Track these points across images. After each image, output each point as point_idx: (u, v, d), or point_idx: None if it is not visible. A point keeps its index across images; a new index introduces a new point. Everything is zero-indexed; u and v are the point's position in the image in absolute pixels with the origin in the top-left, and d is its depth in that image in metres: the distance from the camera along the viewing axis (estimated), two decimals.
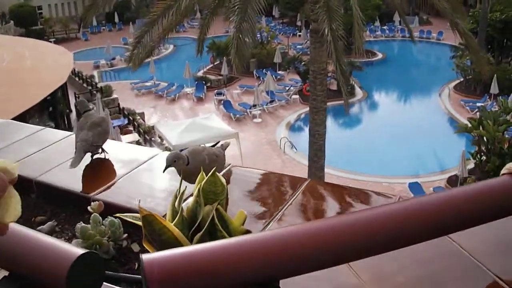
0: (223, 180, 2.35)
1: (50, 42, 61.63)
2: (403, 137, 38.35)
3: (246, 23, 19.23)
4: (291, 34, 70.79)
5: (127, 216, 2.43)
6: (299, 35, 69.35)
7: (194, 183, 2.93)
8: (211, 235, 2.14)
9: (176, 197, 2.34)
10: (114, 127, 32.37)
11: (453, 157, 33.13)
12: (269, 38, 60.42)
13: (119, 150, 3.90)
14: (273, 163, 34.55)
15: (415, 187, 29.89)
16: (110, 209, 2.89)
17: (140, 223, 2.12)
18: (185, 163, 3.04)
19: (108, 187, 3.33)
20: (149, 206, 2.91)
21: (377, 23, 70.39)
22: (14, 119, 20.34)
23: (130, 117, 38.66)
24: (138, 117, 38.95)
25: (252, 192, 3.40)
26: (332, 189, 3.34)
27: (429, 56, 67.95)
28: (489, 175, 29.91)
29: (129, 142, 30.61)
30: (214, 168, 2.33)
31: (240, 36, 19.17)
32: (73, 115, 43.04)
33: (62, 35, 76.95)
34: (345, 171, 32.76)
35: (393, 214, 1.89)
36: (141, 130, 35.54)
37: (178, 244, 2.08)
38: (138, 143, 32.64)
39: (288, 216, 2.94)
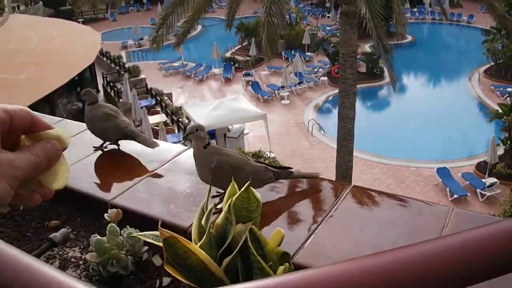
0: (258, 196, 2.08)
1: (79, 22, 61.82)
2: (431, 121, 37.91)
3: (276, 5, 18.95)
4: (320, 16, 70.44)
5: (147, 236, 2.13)
6: (328, 17, 68.93)
7: (217, 185, 2.74)
8: (243, 258, 1.87)
9: (203, 212, 2.05)
10: (141, 107, 32.21)
11: (482, 142, 32.71)
12: (297, 19, 60.02)
13: (139, 146, 3.56)
14: (300, 145, 34.34)
15: (444, 172, 29.50)
16: (129, 216, 2.64)
17: (161, 244, 1.83)
18: (204, 140, 2.81)
19: (127, 190, 3.04)
20: (173, 215, 2.70)
21: (407, 5, 69.63)
22: (42, 99, 20.41)
23: (158, 98, 38.48)
24: (166, 98, 38.78)
25: (284, 200, 3.01)
26: (379, 197, 2.96)
27: (459, 39, 67.20)
28: None
29: (156, 123, 30.58)
30: (247, 183, 2.04)
31: (270, 19, 18.89)
32: (101, 95, 43.07)
33: (90, 16, 77.18)
34: (372, 155, 32.47)
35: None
36: (169, 111, 35.34)
37: (206, 269, 1.80)
38: (165, 123, 32.53)
39: (330, 231, 2.62)
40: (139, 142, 3.47)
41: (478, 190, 28.23)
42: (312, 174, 3.19)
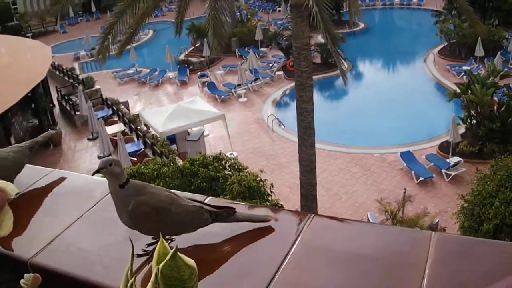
0: (191, 262, 1.67)
1: (28, 37, 61.17)
2: (391, 106, 38.05)
3: (222, 1, 18.72)
4: (271, 10, 70.51)
5: None
6: (279, 11, 69.06)
7: (140, 231, 2.32)
8: None
9: (127, 279, 1.68)
10: (98, 118, 31.85)
11: (443, 123, 32.89)
12: (248, 16, 59.99)
13: (66, 182, 3.06)
14: (262, 142, 34.22)
15: (407, 156, 29.62)
16: (51, 277, 2.20)
17: None
18: (120, 178, 2.33)
19: (50, 242, 2.45)
20: (102, 275, 2.23)
21: None
22: None
23: (114, 107, 38.10)
24: (122, 107, 38.42)
25: (229, 244, 2.40)
26: (347, 226, 2.51)
27: (411, 22, 67.72)
28: (482, 140, 29.73)
29: (114, 133, 30.24)
30: (174, 249, 1.62)
31: (216, 15, 18.64)
32: (57, 109, 42.60)
33: (39, 29, 76.42)
34: (335, 145, 32.46)
35: None
36: (126, 120, 34.97)
37: None
38: (124, 133, 32.17)
39: (289, 280, 2.15)
40: None
41: (443, 171, 28.34)
42: (262, 217, 2.49)
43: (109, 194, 2.47)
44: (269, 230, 2.41)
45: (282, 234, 2.39)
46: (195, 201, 2.36)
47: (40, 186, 2.92)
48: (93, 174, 2.47)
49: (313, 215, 2.45)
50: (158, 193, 2.33)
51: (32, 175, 2.99)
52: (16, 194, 2.64)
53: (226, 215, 2.33)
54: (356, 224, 2.49)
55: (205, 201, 2.49)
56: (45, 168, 3.12)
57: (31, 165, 3.12)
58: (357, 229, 2.43)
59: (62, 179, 3.04)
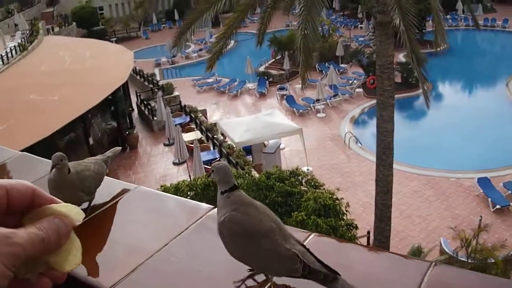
0: None
1: (111, 41, 62.16)
2: (470, 130, 37.40)
3: (310, 18, 18.63)
4: (353, 27, 70.20)
5: None
6: (361, 27, 68.67)
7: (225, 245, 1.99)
8: None
9: None
10: (176, 125, 32.05)
11: None
12: (330, 31, 59.77)
13: (151, 202, 2.73)
14: (338, 159, 33.98)
15: (484, 182, 28.94)
16: None
17: None
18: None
19: (133, 271, 2.10)
20: None
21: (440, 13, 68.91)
22: (76, 119, 20.16)
23: (192, 115, 38.35)
24: (200, 115, 38.63)
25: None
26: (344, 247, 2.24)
27: (495, 45, 66.47)
28: None
29: (190, 140, 30.37)
30: None
31: (306, 32, 18.55)
32: (135, 113, 43.14)
33: (123, 34, 77.94)
34: (411, 166, 32.02)
35: None
36: (203, 128, 35.14)
37: None
38: (200, 141, 32.31)
39: None
40: None
41: None
42: None
43: (199, 221, 2.31)
44: None
45: None
46: (298, 242, 1.93)
47: (121, 204, 2.68)
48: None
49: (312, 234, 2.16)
50: (258, 217, 1.96)
51: (113, 190, 2.77)
52: (86, 218, 2.43)
53: (322, 277, 1.81)
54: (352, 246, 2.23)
55: (309, 242, 2.11)
56: (128, 183, 2.90)
57: (112, 179, 2.90)
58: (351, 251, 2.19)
59: (147, 198, 2.77)
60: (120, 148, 3.19)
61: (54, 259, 1.13)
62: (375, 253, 2.12)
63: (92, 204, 2.69)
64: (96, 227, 2.50)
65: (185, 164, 30.44)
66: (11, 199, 1.10)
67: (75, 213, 1.19)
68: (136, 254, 2.16)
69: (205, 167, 27.35)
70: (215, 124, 34.84)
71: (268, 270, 1.84)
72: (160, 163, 34.12)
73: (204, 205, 2.44)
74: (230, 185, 1.94)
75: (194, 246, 2.19)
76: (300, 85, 46.86)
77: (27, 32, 51.18)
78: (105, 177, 2.84)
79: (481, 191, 28.69)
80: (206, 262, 2.09)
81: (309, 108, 42.60)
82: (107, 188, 2.75)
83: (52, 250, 1.10)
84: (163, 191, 17.23)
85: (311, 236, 2.12)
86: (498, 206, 27.23)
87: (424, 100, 20.38)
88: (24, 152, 3.36)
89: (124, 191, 2.70)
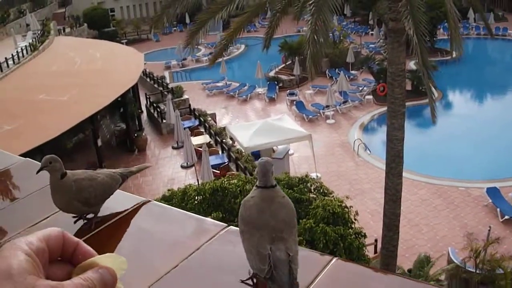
0: None
1: (122, 43, 62.30)
2: (479, 139, 37.24)
3: (321, 23, 18.51)
4: (364, 33, 70.02)
5: None
6: (372, 34, 68.56)
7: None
8: None
9: None
10: (185, 128, 32.04)
11: None
12: (341, 37, 59.76)
13: (162, 217, 2.62)
14: (346, 166, 33.90)
15: (494, 193, 28.78)
16: None
17: None
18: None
19: None
20: None
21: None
22: (86, 120, 20.11)
23: (201, 118, 38.35)
24: (209, 118, 38.58)
25: None
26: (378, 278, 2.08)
27: (506, 54, 66.22)
28: None
29: (199, 144, 30.37)
30: None
31: (316, 37, 18.43)
32: (144, 116, 43.17)
33: (134, 36, 78.20)
34: (420, 175, 31.88)
35: None
36: (212, 132, 35.13)
37: None
38: (209, 145, 32.27)
39: None
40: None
41: None
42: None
43: (212, 240, 2.20)
44: None
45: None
46: (287, 251, 1.88)
47: (130, 218, 2.58)
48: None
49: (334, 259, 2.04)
50: (264, 211, 1.97)
51: (123, 204, 2.66)
52: (90, 232, 2.39)
53: None
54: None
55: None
56: (139, 197, 2.78)
57: (124, 192, 2.79)
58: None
59: (158, 213, 2.66)
60: (150, 165, 3.08)
61: None
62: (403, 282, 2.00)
63: (97, 217, 2.60)
64: (101, 242, 2.41)
65: (193, 168, 30.38)
66: (51, 248, 1.13)
67: (119, 262, 1.21)
68: (145, 275, 2.05)
69: (213, 171, 27.33)
70: (224, 128, 34.84)
71: (248, 260, 1.84)
72: (168, 166, 34.10)
73: (218, 224, 2.34)
74: (261, 184, 1.94)
75: (206, 267, 2.10)
76: (310, 91, 47.09)
77: (39, 32, 51.30)
78: (120, 191, 2.74)
79: (490, 201, 28.56)
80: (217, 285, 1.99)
81: (318, 114, 42.55)
82: (117, 201, 2.66)
83: None
84: (169, 195, 17.00)
85: (333, 260, 2.02)
86: (506, 217, 27.09)
87: (431, 113, 20.25)
88: (27, 158, 3.27)
89: (135, 205, 2.61)
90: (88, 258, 1.19)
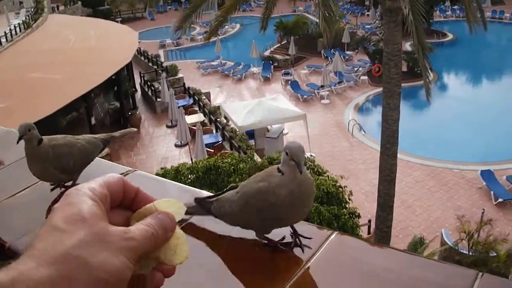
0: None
1: (117, 22, 62.02)
2: (474, 122, 37.16)
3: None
4: (359, 14, 69.95)
5: None
6: (368, 15, 68.44)
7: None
8: None
9: None
10: (179, 107, 31.91)
11: None
12: (337, 18, 59.43)
13: (148, 187, 2.48)
14: (341, 146, 33.82)
15: (488, 175, 28.71)
16: None
17: None
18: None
19: None
20: None
21: (448, 3, 68.68)
22: (79, 98, 19.99)
23: (196, 97, 38.16)
24: (204, 97, 38.40)
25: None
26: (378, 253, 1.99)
27: (502, 37, 66.03)
28: None
29: (193, 123, 30.27)
30: None
31: (325, 10, 18.45)
32: (138, 94, 43.03)
33: (128, 15, 77.91)
34: (414, 156, 31.82)
35: None
36: (207, 111, 34.97)
37: None
38: (203, 123, 32.15)
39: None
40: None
41: None
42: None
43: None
44: None
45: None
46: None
47: None
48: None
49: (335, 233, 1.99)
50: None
51: (105, 173, 2.47)
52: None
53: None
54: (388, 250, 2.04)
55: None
56: (124, 166, 2.65)
57: (109, 161, 2.73)
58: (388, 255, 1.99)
59: (145, 183, 2.29)
60: (136, 130, 2.95)
61: (164, 254, 1.17)
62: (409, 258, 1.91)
63: (76, 185, 2.49)
64: None
65: (187, 147, 30.29)
66: (112, 194, 1.16)
67: (177, 207, 1.23)
68: None
69: (207, 150, 27.24)
70: (218, 107, 34.68)
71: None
72: (162, 145, 33.98)
73: (206, 193, 2.23)
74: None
75: (190, 241, 2.00)
76: (305, 71, 46.99)
77: (32, 9, 50.99)
78: (102, 159, 2.64)
79: (484, 183, 28.50)
80: (208, 256, 1.91)
81: (313, 94, 42.42)
82: (100, 171, 2.53)
83: (161, 245, 1.15)
84: (163, 174, 16.87)
85: (333, 235, 1.97)
86: (500, 200, 27.04)
87: (425, 93, 20.18)
88: (9, 129, 3.14)
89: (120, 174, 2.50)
90: (147, 204, 1.22)
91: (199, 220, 2.08)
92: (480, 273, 1.69)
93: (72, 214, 1.07)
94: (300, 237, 1.91)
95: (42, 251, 1.01)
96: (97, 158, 2.63)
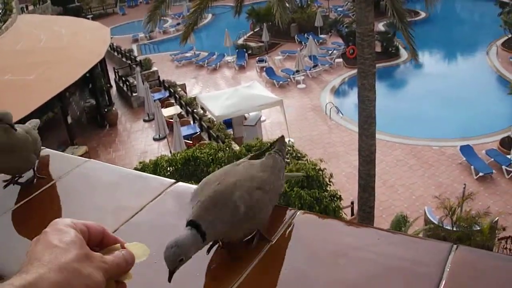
0: None
1: (88, 18, 61.64)
2: (451, 99, 37.28)
3: None
4: None
5: None
6: None
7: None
8: None
9: None
10: (154, 100, 31.80)
11: (505, 117, 32.12)
12: (308, 2, 59.43)
13: (104, 176, 2.39)
14: (319, 130, 33.82)
15: (467, 150, 28.84)
16: None
17: None
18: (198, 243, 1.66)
19: None
20: None
21: None
22: (54, 97, 19.76)
23: (171, 90, 38.02)
24: (179, 89, 38.28)
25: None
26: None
27: (474, 13, 66.22)
28: None
29: (170, 115, 30.15)
30: None
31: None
32: (114, 90, 42.82)
33: (100, 11, 77.40)
34: (393, 135, 31.87)
35: None
36: (183, 102, 34.83)
37: None
38: (180, 115, 32.04)
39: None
40: None
41: (503, 167, 27.56)
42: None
43: (158, 198, 2.02)
44: None
45: None
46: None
47: (69, 180, 2.37)
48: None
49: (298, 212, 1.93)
50: None
51: (60, 165, 2.46)
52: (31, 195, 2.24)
53: None
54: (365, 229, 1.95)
55: None
56: (78, 157, 2.56)
57: (62, 153, 2.63)
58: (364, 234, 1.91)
59: (99, 172, 2.44)
60: (38, 121, 2.81)
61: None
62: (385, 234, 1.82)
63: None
64: (41, 206, 2.22)
65: (166, 140, 30.19)
66: (91, 236, 1.41)
67: (143, 250, 1.49)
68: None
69: (185, 142, 27.15)
70: (194, 98, 34.53)
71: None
72: (141, 140, 33.82)
73: (165, 180, 2.13)
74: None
75: (150, 228, 1.91)
76: (279, 57, 46.95)
77: (0, 11, 50.53)
78: (52, 151, 2.55)
79: (464, 159, 28.62)
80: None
81: (289, 80, 42.31)
82: (54, 162, 2.45)
83: (122, 273, 1.41)
84: (141, 168, 16.76)
85: (298, 213, 1.91)
86: (481, 174, 27.15)
87: (414, 59, 20.29)
88: None
89: (72, 166, 2.41)
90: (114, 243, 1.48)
91: None
92: (455, 246, 1.61)
93: (66, 238, 1.32)
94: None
95: (49, 262, 1.25)
96: (51, 150, 2.56)
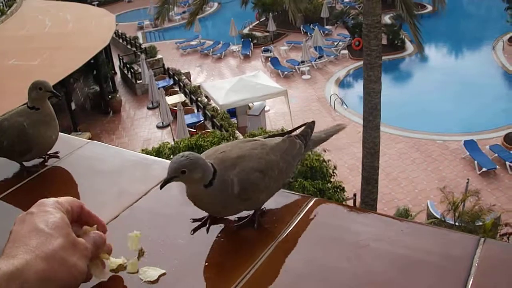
0: None
1: (93, 5, 61.40)
2: (456, 93, 37.15)
3: None
4: None
5: None
6: None
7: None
8: None
9: None
10: (159, 88, 31.70)
11: (510, 113, 31.98)
12: None
13: (106, 158, 2.35)
14: (323, 121, 33.64)
15: (471, 145, 28.78)
16: None
17: None
18: (204, 180, 1.62)
19: None
20: None
21: None
22: (58, 83, 19.65)
23: (176, 77, 37.92)
24: (184, 77, 38.16)
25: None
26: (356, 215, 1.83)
27: (481, 8, 65.91)
28: None
29: (174, 103, 30.08)
30: None
31: None
32: (118, 77, 42.75)
33: None
34: (397, 128, 31.82)
35: None
36: (187, 91, 34.73)
37: None
38: (184, 103, 31.94)
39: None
40: None
41: (507, 163, 27.50)
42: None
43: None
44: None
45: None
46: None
47: (71, 161, 2.32)
48: (161, 188, 1.70)
49: (314, 199, 1.88)
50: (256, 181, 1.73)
51: (63, 146, 2.40)
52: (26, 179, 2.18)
53: None
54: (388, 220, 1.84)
55: None
56: (79, 138, 2.50)
57: (63, 134, 2.50)
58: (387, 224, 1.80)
59: (100, 154, 2.39)
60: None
61: (95, 270, 1.50)
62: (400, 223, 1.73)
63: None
64: (41, 187, 2.16)
65: (169, 127, 30.13)
66: (73, 214, 1.48)
67: (131, 263, 1.55)
68: None
69: (189, 130, 27.07)
70: (199, 87, 34.45)
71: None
72: (144, 127, 33.75)
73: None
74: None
75: (152, 215, 1.84)
76: (285, 47, 46.83)
77: None
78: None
79: (468, 154, 28.55)
80: (168, 233, 1.74)
81: (293, 70, 42.22)
82: (56, 143, 2.35)
83: (97, 255, 1.48)
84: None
85: (313, 201, 1.85)
86: (484, 169, 27.07)
87: (419, 52, 20.26)
88: None
89: (74, 147, 2.33)
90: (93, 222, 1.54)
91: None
92: (482, 239, 1.52)
93: (52, 221, 1.35)
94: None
95: (36, 248, 1.28)
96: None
